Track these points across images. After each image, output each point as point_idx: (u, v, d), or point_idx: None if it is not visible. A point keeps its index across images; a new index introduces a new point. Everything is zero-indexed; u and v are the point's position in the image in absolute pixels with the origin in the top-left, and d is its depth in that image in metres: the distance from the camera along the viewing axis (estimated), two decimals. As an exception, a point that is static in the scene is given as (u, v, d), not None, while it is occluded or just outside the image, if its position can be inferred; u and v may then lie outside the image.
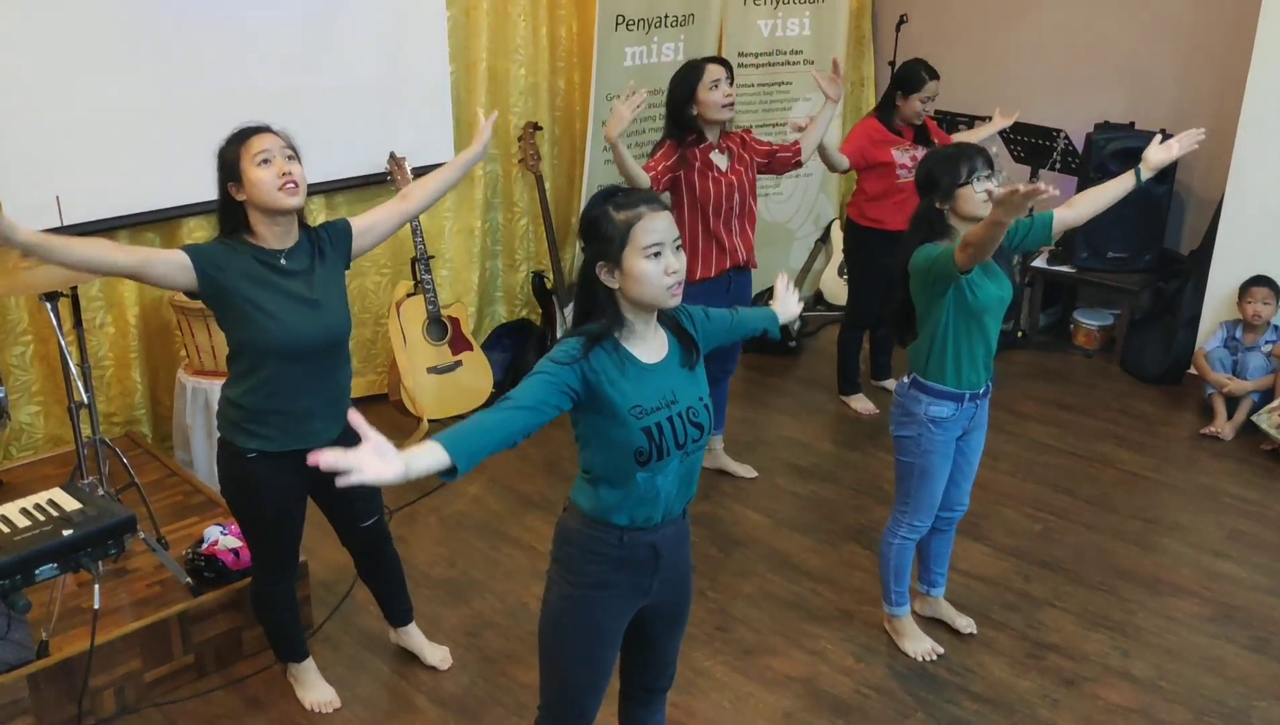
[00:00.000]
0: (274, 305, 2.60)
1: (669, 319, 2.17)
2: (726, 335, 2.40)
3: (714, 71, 3.86)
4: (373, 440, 1.74)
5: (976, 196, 2.86)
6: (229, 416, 2.72)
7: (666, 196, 3.92)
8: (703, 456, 2.20)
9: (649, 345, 2.10)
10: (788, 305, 2.71)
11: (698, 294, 3.64)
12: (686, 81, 3.86)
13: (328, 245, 2.75)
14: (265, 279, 2.60)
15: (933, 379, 2.99)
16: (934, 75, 4.47)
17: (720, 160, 3.94)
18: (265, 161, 2.54)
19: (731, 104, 3.88)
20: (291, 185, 2.56)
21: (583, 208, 2.05)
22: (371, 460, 1.72)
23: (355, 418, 1.80)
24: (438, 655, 3.28)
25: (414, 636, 3.30)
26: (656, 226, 2.01)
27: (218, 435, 2.79)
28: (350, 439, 2.85)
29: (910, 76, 4.49)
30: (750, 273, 4.14)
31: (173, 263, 2.52)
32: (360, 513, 3.00)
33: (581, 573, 2.15)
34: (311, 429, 2.70)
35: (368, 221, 2.83)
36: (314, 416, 2.72)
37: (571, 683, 2.23)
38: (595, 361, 2.01)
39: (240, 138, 2.58)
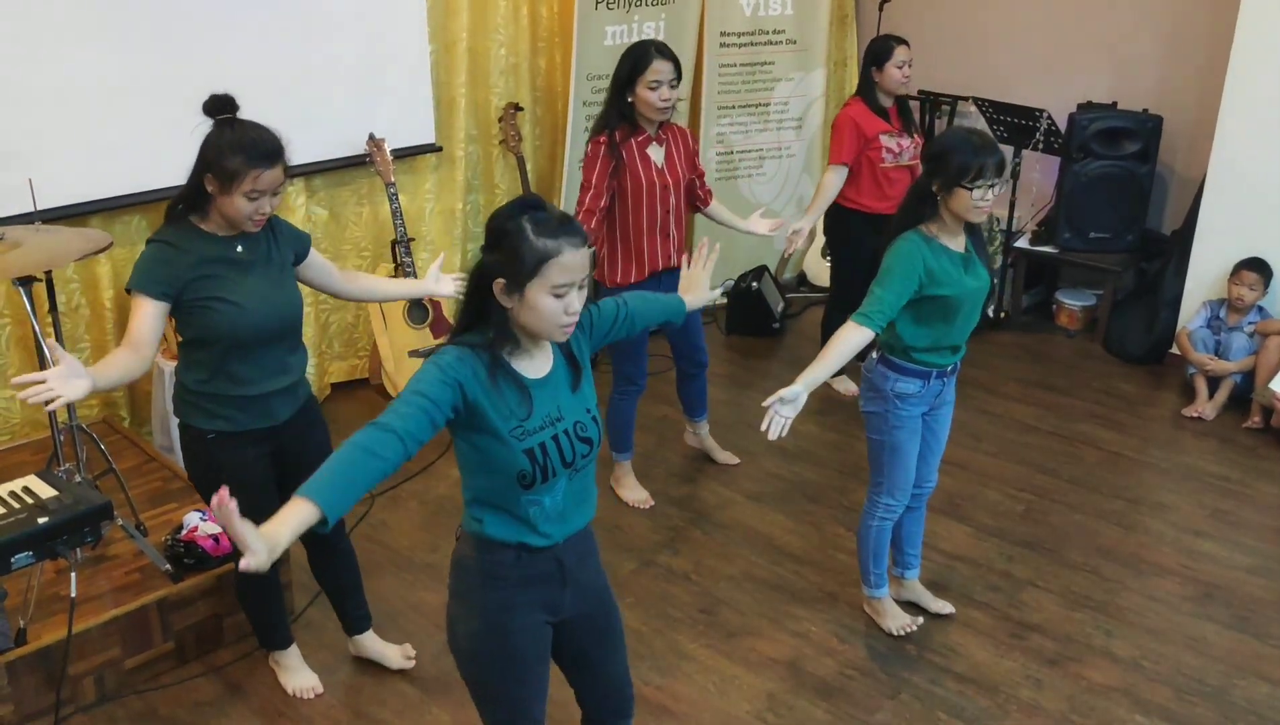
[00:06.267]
0: (230, 295, 2.58)
1: None
2: (623, 328, 2.26)
3: (657, 71, 3.57)
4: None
5: (972, 202, 2.79)
6: (185, 400, 2.71)
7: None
8: (594, 469, 2.09)
9: (534, 360, 1.99)
10: (696, 285, 2.59)
11: None
12: (632, 67, 3.59)
13: (283, 237, 2.74)
14: (219, 269, 2.59)
15: (899, 356, 2.99)
16: (901, 41, 4.46)
17: (657, 154, 3.72)
18: (254, 197, 2.51)
19: (669, 108, 3.65)
20: (261, 220, 2.59)
21: (499, 209, 1.93)
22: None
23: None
24: (400, 656, 3.20)
25: (373, 643, 3.20)
26: (571, 265, 1.86)
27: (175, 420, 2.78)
28: (311, 415, 2.87)
29: (880, 48, 4.47)
30: (678, 271, 4.00)
31: (158, 319, 2.53)
32: None
33: (483, 603, 2.02)
34: (269, 408, 2.72)
35: (318, 264, 2.85)
36: (271, 397, 2.72)
37: (508, 709, 2.12)
38: (476, 377, 1.89)
39: (249, 158, 2.46)
